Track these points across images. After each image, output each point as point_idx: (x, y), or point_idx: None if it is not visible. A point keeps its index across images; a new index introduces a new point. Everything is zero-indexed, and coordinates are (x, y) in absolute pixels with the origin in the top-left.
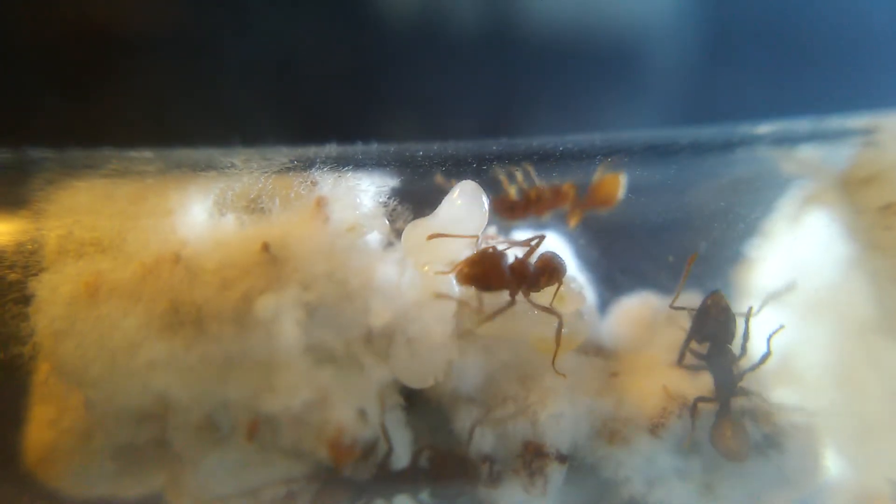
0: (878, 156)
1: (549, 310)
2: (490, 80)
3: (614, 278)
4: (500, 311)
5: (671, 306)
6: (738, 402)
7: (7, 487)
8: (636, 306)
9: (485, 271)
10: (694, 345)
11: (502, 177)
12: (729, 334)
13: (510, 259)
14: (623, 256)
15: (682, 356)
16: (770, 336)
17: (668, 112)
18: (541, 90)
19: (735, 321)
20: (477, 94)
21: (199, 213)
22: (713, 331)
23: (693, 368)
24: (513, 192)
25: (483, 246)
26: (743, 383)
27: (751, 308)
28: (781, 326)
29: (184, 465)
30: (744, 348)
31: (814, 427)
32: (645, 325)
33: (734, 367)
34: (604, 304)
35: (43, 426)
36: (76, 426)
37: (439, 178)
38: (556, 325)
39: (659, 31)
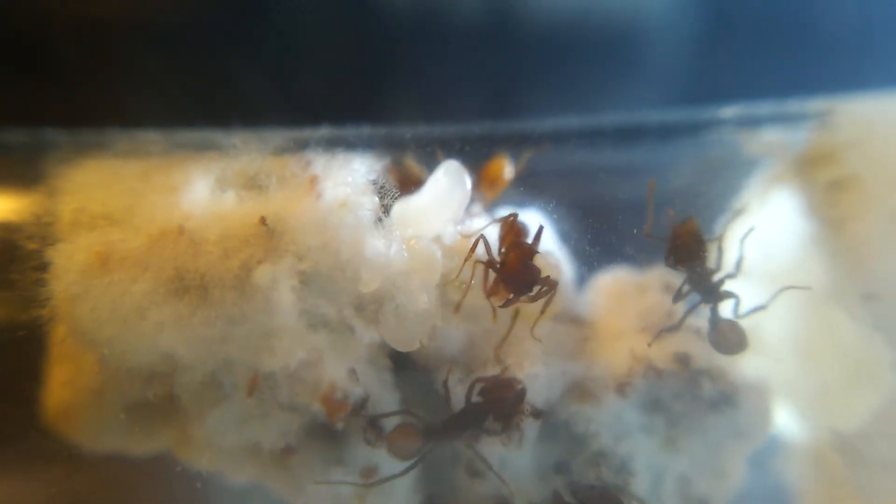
0: (831, 137)
1: (546, 279)
2: (486, 65)
3: (589, 253)
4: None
5: (645, 235)
6: (724, 304)
7: (29, 440)
8: (609, 280)
9: (519, 280)
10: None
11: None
12: (702, 255)
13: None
14: (598, 233)
15: (677, 296)
16: (742, 239)
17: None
18: (538, 73)
19: (706, 243)
20: (473, 77)
21: (202, 189)
22: (687, 254)
23: (681, 294)
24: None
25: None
26: (724, 287)
27: (723, 232)
28: (752, 228)
29: (190, 421)
30: (718, 261)
31: (764, 385)
32: (616, 296)
33: (713, 276)
34: (581, 278)
35: (61, 384)
36: (91, 384)
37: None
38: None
39: (656, 16)
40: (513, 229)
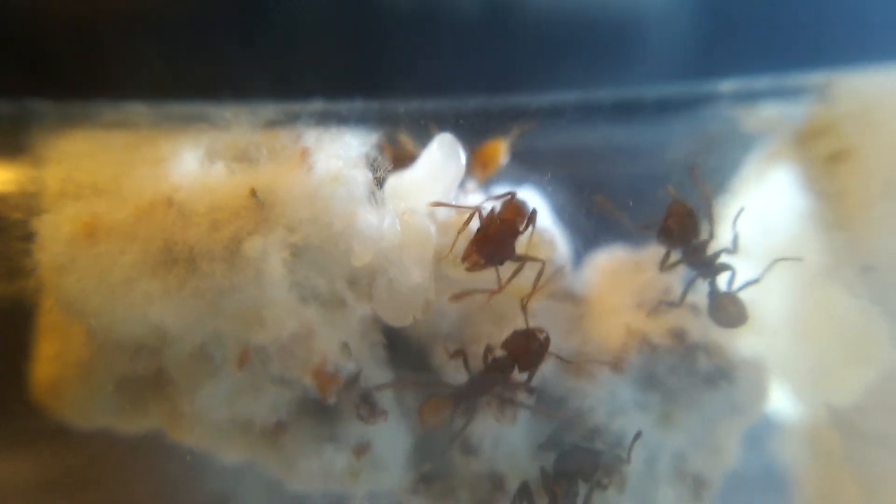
0: (829, 110)
1: (530, 258)
2: (482, 39)
3: (586, 229)
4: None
5: (642, 227)
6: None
7: (17, 416)
8: (605, 258)
9: (493, 251)
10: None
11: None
12: (696, 231)
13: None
14: (594, 208)
15: (662, 264)
16: (735, 219)
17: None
18: (534, 47)
19: (698, 220)
20: (469, 52)
21: (191, 161)
22: (681, 230)
23: (673, 267)
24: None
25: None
26: (721, 260)
27: (710, 199)
28: (742, 209)
29: (180, 396)
30: (711, 234)
31: (761, 360)
32: (612, 274)
33: (708, 250)
34: (577, 255)
35: (48, 359)
36: (79, 359)
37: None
38: (533, 271)
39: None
40: (510, 208)
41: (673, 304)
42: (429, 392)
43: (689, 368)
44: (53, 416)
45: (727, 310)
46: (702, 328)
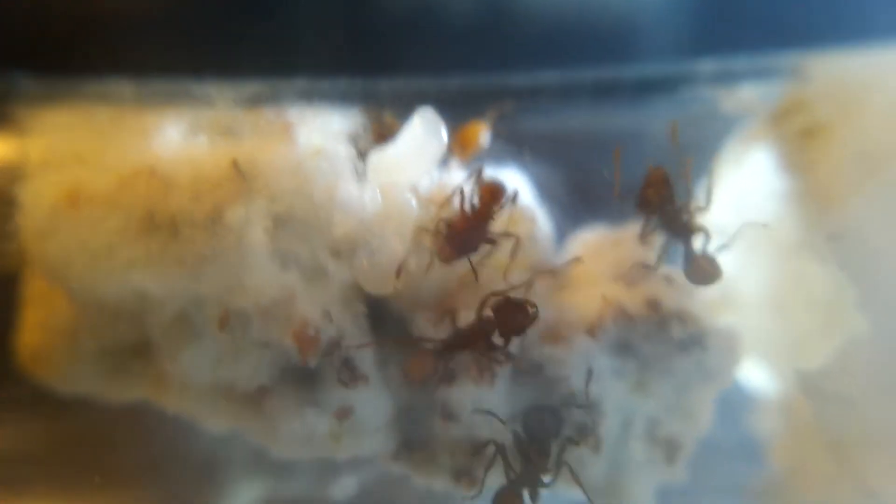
0: (803, 89)
1: (505, 234)
2: (465, 18)
3: (566, 206)
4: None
5: (615, 196)
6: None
7: (2, 385)
8: (585, 235)
9: (463, 243)
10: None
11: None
12: (672, 198)
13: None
14: (575, 187)
15: (642, 233)
16: (709, 178)
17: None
18: (516, 27)
19: (674, 188)
20: (452, 31)
21: (174, 133)
22: (657, 199)
23: (652, 234)
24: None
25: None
26: (696, 222)
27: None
28: (715, 166)
29: (164, 362)
30: (689, 197)
31: (732, 328)
32: (591, 250)
33: (684, 215)
34: (558, 231)
35: (33, 327)
36: (64, 326)
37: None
38: (510, 247)
39: None
40: (486, 191)
41: (649, 268)
42: (410, 351)
43: (664, 336)
44: (38, 383)
45: (703, 268)
46: (676, 297)
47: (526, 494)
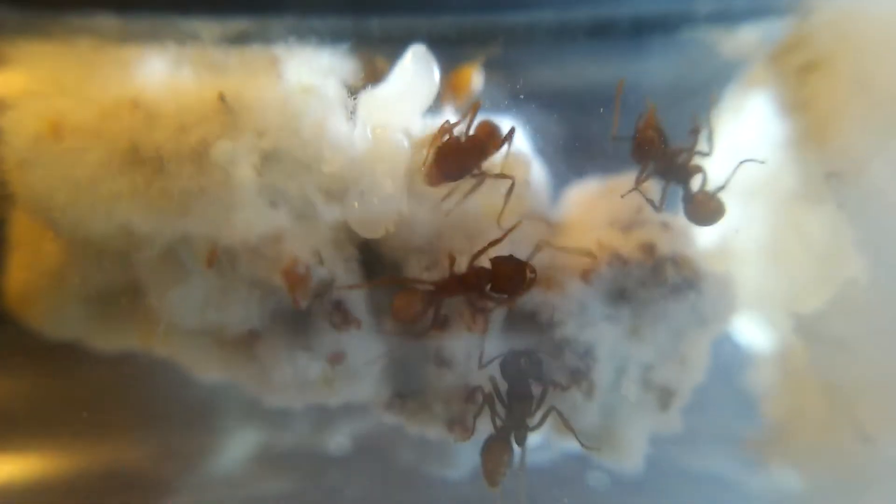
0: (803, 24)
1: (500, 175)
2: None
3: (563, 155)
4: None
5: (612, 137)
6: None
7: None
8: (581, 184)
9: (452, 167)
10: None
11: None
12: (663, 141)
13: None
14: (571, 129)
15: (639, 179)
16: (708, 117)
17: None
18: None
19: (664, 131)
20: None
21: (158, 65)
22: (651, 144)
23: (648, 178)
24: None
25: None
26: (692, 162)
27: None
28: (715, 102)
29: (152, 304)
30: (694, 136)
31: (728, 274)
32: (587, 198)
33: (679, 157)
34: (554, 176)
35: (20, 269)
36: (50, 267)
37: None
38: (504, 190)
39: None
40: (483, 128)
41: (655, 208)
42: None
43: (658, 280)
44: (26, 327)
45: (705, 205)
46: (671, 242)
47: (512, 439)
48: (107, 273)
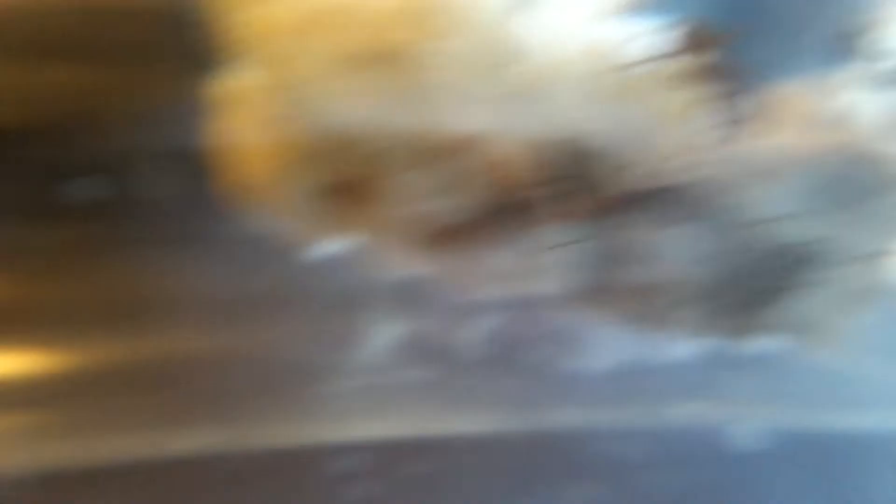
0: None
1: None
2: None
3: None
4: None
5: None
6: None
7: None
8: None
9: None
10: None
11: None
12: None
13: None
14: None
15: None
16: None
17: None
18: None
19: None
20: None
21: None
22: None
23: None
24: None
25: None
26: None
27: None
28: None
29: (369, 198)
30: None
31: None
32: (789, 95)
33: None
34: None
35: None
36: (274, 153)
37: None
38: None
39: None
40: (693, 33)
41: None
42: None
43: (867, 175)
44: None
45: None
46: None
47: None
48: (334, 164)
